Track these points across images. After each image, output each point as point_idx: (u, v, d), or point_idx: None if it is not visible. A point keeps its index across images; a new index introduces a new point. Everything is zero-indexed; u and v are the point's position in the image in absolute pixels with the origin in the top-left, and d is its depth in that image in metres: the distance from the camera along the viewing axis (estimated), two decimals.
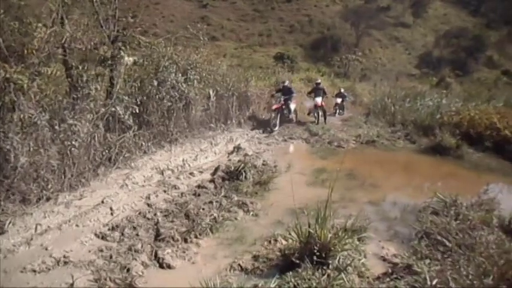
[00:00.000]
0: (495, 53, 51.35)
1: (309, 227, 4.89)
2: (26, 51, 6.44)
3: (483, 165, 11.20)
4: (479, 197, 7.31)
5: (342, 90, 21.94)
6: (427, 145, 13.00)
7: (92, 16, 8.57)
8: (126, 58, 9.17)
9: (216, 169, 9.00)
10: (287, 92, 15.62)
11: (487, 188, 7.88)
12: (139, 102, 9.17)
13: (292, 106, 16.12)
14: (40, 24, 6.70)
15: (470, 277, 4.18)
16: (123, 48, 8.84)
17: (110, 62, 8.79)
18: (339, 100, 20.95)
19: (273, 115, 15.00)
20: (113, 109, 8.44)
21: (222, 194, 7.49)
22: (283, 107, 15.42)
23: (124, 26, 9.37)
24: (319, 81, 18.59)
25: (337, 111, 20.76)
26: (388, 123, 16.83)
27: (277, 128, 14.85)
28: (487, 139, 13.10)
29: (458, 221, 6.10)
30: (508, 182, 9.65)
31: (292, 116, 16.38)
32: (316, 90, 17.30)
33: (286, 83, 16.31)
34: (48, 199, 6.28)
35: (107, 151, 8.06)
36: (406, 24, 57.19)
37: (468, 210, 6.52)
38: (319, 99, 16.80)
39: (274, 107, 15.17)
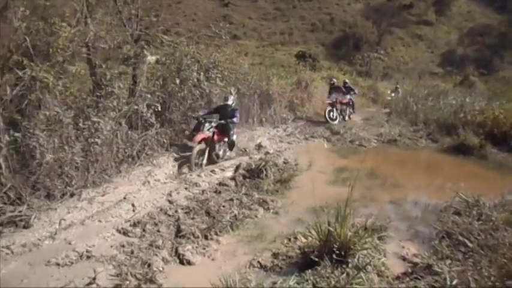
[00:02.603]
0: None
1: (329, 225, 4.89)
2: (51, 50, 6.56)
3: (507, 165, 11.01)
4: (502, 197, 7.19)
5: (348, 82, 20.30)
6: (449, 144, 12.85)
7: (115, 15, 8.69)
8: (149, 57, 9.28)
9: (237, 167, 9.04)
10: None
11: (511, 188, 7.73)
12: (161, 101, 9.29)
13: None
14: (65, 24, 6.82)
15: (492, 278, 4.13)
16: (146, 47, 8.94)
17: (132, 60, 8.90)
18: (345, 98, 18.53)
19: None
20: (136, 107, 8.54)
21: (243, 191, 7.55)
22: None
23: (147, 25, 9.49)
24: (334, 81, 19.54)
25: (331, 114, 17.02)
26: (410, 122, 16.69)
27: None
28: (511, 139, 12.89)
29: (480, 222, 6.03)
30: None
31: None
32: (332, 89, 18.21)
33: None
34: (72, 195, 6.41)
35: (129, 148, 8.16)
36: (429, 22, 56.52)
37: (491, 210, 6.42)
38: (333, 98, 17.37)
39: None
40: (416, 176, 9.91)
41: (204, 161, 9.35)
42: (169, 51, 10.27)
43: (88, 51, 7.81)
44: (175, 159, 9.23)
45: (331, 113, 16.68)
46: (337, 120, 16.70)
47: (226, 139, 10.12)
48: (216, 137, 9.59)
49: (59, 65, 6.71)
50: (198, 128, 9.57)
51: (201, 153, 9.31)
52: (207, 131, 9.40)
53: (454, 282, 4.17)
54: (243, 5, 59.42)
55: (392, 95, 23.36)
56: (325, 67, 34.93)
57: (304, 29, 54.57)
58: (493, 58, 47.70)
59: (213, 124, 9.56)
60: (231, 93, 11.16)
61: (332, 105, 16.93)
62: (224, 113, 10.03)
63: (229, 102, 10.24)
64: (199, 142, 9.19)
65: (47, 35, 6.50)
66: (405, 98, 20.22)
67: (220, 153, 9.96)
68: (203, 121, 9.54)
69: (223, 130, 9.92)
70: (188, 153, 9.22)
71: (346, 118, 17.96)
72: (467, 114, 15.06)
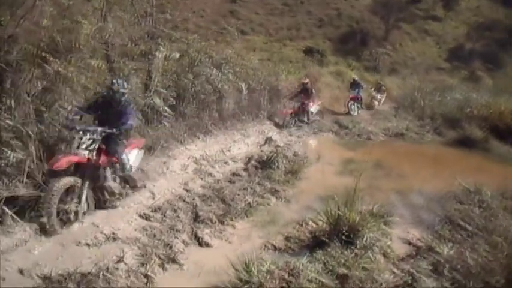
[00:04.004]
0: None
1: (338, 209, 5.25)
2: (73, 47, 6.90)
3: (510, 157, 11.29)
4: (503, 187, 7.50)
5: (356, 78, 19.97)
6: (455, 138, 13.16)
7: (132, 13, 9.03)
8: (169, 53, 9.60)
9: (249, 159, 9.43)
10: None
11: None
12: (175, 95, 9.64)
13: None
14: (86, 22, 7.16)
15: (486, 255, 4.50)
16: (161, 43, 9.28)
17: (149, 56, 9.24)
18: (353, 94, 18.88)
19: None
20: (151, 101, 8.90)
21: (256, 181, 7.93)
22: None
23: (161, 22, 9.83)
24: (354, 76, 20.43)
25: (352, 107, 18.32)
26: (417, 117, 17.02)
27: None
28: None
29: (481, 209, 6.38)
30: None
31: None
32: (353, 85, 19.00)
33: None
34: None
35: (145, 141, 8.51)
36: (437, 17, 56.26)
37: (492, 199, 6.76)
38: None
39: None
40: (422, 168, 10.20)
41: (82, 208, 5.53)
42: (182, 47, 10.60)
43: (107, 47, 8.14)
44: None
45: (353, 106, 18.23)
46: (356, 112, 18.08)
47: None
48: (101, 158, 5.94)
49: (81, 60, 7.03)
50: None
51: (70, 192, 5.42)
52: (83, 150, 5.63)
53: (453, 261, 4.54)
54: (250, 0, 59.47)
55: (378, 97, 21.13)
56: (332, 62, 35.03)
57: (312, 24, 54.48)
58: (501, 53, 47.54)
59: (96, 136, 5.76)
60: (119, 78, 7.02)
61: (354, 98, 18.35)
62: (111, 112, 6.21)
63: (121, 90, 6.19)
64: (65, 169, 5.44)
65: (69, 32, 6.83)
66: (412, 93, 20.44)
67: (114, 185, 6.11)
68: (77, 132, 5.71)
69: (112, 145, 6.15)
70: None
71: (358, 112, 18.37)
72: (473, 109, 15.33)
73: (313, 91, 15.50)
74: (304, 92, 14.88)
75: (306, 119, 14.79)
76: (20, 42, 6.20)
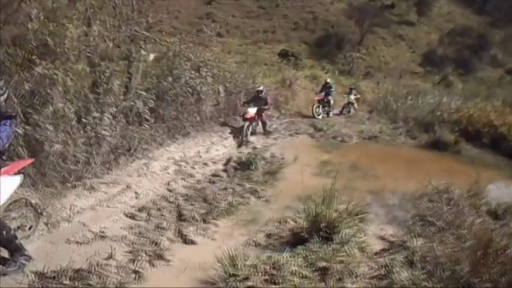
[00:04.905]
0: (499, 52, 51.46)
1: (316, 207, 5.55)
2: (59, 50, 7.05)
3: (479, 160, 11.78)
4: (470, 187, 7.90)
5: (328, 81, 19.94)
6: (427, 141, 13.62)
7: (114, 17, 9.18)
8: (145, 55, 9.78)
9: (228, 160, 9.69)
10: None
11: (478, 179, 8.42)
12: (155, 98, 9.82)
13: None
14: (71, 25, 7.32)
15: (452, 247, 4.92)
16: (143, 46, 9.45)
17: (130, 59, 9.39)
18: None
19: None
20: (132, 103, 9.07)
21: (235, 182, 8.20)
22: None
23: (142, 26, 10.00)
24: (328, 80, 20.01)
25: (317, 110, 18.17)
26: (390, 120, 17.49)
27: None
28: (484, 136, 13.72)
29: (449, 206, 6.79)
30: (501, 175, 10.26)
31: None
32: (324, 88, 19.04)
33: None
34: (77, 185, 6.89)
35: (126, 142, 8.68)
36: (411, 22, 57.33)
37: (459, 197, 7.19)
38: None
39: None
40: (395, 169, 10.57)
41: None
42: (162, 50, 10.79)
43: (90, 51, 8.29)
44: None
45: (318, 109, 17.99)
46: (321, 116, 17.97)
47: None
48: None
49: (67, 63, 7.18)
50: None
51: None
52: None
53: (423, 253, 4.93)
54: (226, 2, 59.63)
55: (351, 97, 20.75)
56: (308, 65, 35.46)
57: (287, 28, 54.99)
58: (472, 59, 48.68)
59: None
60: None
61: (320, 101, 18.29)
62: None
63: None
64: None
65: (56, 35, 6.98)
66: (386, 97, 20.93)
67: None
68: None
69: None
70: None
71: (331, 115, 18.70)
72: (444, 113, 15.87)
73: (268, 99, 13.78)
74: (256, 100, 13.24)
75: (262, 130, 13.52)
76: (5, 44, 6.35)
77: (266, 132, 13.45)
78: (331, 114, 18.88)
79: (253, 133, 12.84)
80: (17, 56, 6.32)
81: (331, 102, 18.92)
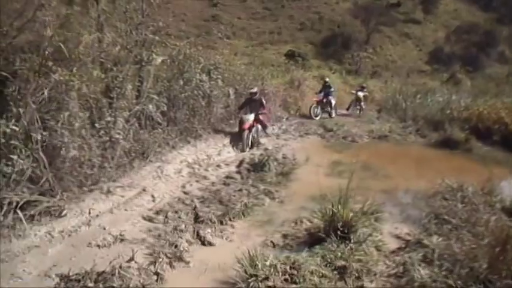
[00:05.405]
0: (507, 48, 51.22)
1: (333, 207, 5.62)
2: (74, 56, 7.16)
3: (490, 158, 11.73)
4: (483, 184, 7.91)
5: (327, 80, 19.89)
6: (437, 139, 13.57)
7: (126, 22, 9.28)
8: (155, 58, 9.87)
9: (241, 162, 9.77)
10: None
11: (491, 177, 8.43)
12: (166, 101, 9.91)
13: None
14: (85, 32, 7.43)
15: (469, 243, 5.01)
16: (154, 50, 9.54)
17: (142, 63, 9.49)
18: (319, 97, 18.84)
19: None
20: (144, 107, 9.17)
21: (249, 183, 8.28)
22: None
23: (152, 31, 10.09)
24: (327, 79, 20.05)
25: (315, 110, 18.12)
26: (399, 119, 17.46)
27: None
28: (495, 133, 13.64)
29: (464, 204, 6.82)
30: None
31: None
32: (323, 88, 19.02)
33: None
34: (94, 189, 6.99)
35: (140, 146, 8.78)
36: (417, 20, 57.18)
37: (473, 195, 7.22)
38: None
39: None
40: (406, 168, 10.59)
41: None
42: (170, 53, 10.88)
43: (104, 56, 8.39)
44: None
45: (316, 109, 18.07)
46: (319, 117, 17.95)
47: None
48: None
49: (82, 68, 7.29)
50: None
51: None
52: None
53: (441, 251, 4.99)
54: (232, 4, 59.76)
55: (360, 93, 20.65)
56: (314, 66, 35.50)
57: (293, 28, 55.01)
58: (480, 56, 48.45)
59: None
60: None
61: (319, 102, 18.29)
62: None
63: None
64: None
65: (71, 42, 7.09)
66: (394, 96, 20.91)
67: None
68: None
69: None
70: None
71: (333, 115, 18.76)
72: (454, 111, 15.83)
73: (264, 102, 12.88)
74: (250, 103, 12.50)
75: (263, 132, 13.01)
76: (23, 51, 6.47)
77: (266, 135, 13.19)
78: (333, 115, 18.82)
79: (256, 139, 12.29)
80: (33, 63, 6.41)
81: (333, 102, 18.84)
